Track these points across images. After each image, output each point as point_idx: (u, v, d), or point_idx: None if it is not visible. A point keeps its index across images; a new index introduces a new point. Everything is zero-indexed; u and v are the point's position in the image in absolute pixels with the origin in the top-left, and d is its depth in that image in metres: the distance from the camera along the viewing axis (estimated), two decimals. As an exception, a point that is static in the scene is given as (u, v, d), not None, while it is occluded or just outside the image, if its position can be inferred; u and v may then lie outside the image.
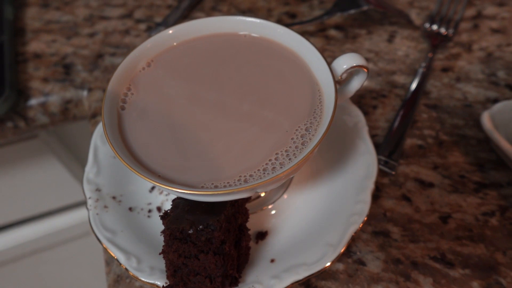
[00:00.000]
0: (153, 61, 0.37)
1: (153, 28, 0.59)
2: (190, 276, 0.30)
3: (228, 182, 0.30)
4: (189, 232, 0.29)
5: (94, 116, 0.50)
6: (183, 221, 0.29)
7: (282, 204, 0.40)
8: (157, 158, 0.31)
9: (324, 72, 0.34)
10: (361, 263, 0.37)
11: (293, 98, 0.34)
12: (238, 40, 0.38)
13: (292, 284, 0.33)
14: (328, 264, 0.34)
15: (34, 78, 0.54)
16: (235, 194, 0.29)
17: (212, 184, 0.30)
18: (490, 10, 0.59)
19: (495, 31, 0.57)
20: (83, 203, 0.80)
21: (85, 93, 0.52)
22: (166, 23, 0.59)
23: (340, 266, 0.37)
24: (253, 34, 0.38)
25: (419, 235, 0.38)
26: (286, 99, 0.34)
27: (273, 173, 0.30)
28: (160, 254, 0.31)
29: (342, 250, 0.34)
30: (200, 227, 0.29)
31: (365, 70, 0.35)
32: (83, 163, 0.72)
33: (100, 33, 0.59)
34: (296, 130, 0.32)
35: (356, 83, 0.37)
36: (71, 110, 0.54)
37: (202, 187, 0.29)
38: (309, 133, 0.32)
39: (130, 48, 0.57)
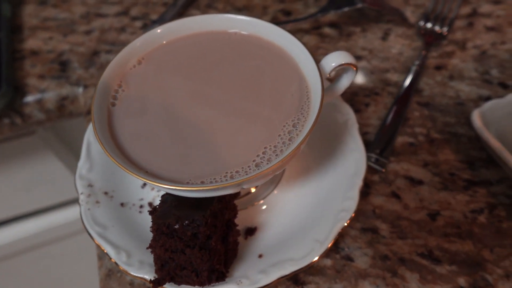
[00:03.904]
0: (144, 59, 0.38)
1: (149, 26, 0.60)
2: (177, 270, 0.31)
3: (214, 178, 0.30)
4: (175, 227, 0.29)
5: (89, 112, 0.50)
6: (170, 216, 0.30)
7: (273, 199, 0.40)
8: (145, 154, 0.32)
9: (312, 69, 0.34)
10: (349, 259, 0.37)
11: (281, 94, 0.34)
12: (228, 38, 0.38)
13: (279, 279, 0.33)
14: (315, 259, 0.34)
15: (30, 75, 0.54)
16: (221, 190, 0.30)
17: (199, 180, 0.30)
18: (485, 8, 0.59)
19: (489, 29, 0.57)
20: (80, 199, 0.81)
21: (80, 90, 0.53)
22: (162, 21, 0.59)
23: (328, 262, 0.37)
24: (243, 32, 0.38)
25: (407, 232, 0.39)
26: (275, 95, 0.34)
27: (258, 169, 0.30)
28: (147, 248, 0.32)
29: (329, 246, 0.35)
30: (186, 222, 0.29)
31: (353, 68, 0.35)
32: (80, 159, 0.72)
33: (96, 31, 0.60)
34: (284, 126, 0.32)
35: (345, 81, 0.37)
36: (67, 106, 0.54)
37: (188, 183, 0.30)
38: (296, 129, 0.32)
39: (126, 45, 0.57)
